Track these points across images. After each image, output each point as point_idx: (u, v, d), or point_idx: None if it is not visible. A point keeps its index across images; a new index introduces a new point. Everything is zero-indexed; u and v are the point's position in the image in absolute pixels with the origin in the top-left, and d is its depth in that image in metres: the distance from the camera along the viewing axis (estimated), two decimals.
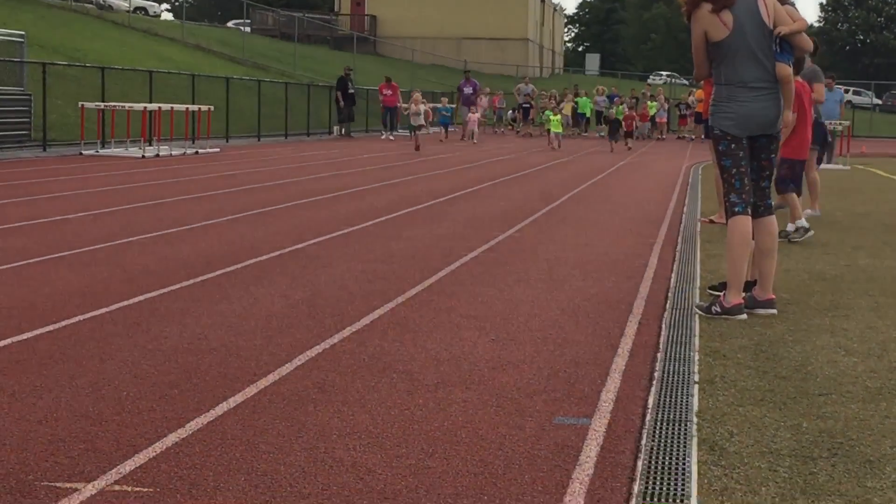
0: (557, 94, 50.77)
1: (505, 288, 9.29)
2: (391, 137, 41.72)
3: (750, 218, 8.16)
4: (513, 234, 13.00)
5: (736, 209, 8.15)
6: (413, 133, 35.88)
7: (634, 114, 42.21)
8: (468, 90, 47.07)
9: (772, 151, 8.35)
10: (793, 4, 8.75)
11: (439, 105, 44.97)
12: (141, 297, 8.38)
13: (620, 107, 49.45)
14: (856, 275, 10.36)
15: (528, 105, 50.07)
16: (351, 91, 41.90)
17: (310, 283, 9.30)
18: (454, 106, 46.96)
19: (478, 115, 42.61)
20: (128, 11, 64.96)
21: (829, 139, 14.49)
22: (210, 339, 7.09)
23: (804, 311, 8.45)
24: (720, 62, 8.14)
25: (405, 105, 40.14)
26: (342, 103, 41.67)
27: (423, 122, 35.92)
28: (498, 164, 26.52)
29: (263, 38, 72.11)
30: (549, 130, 37.67)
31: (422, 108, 36.49)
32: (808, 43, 8.45)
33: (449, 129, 43.98)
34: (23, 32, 30.12)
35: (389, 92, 44.11)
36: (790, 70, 8.23)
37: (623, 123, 39.21)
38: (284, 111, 39.18)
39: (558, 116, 37.04)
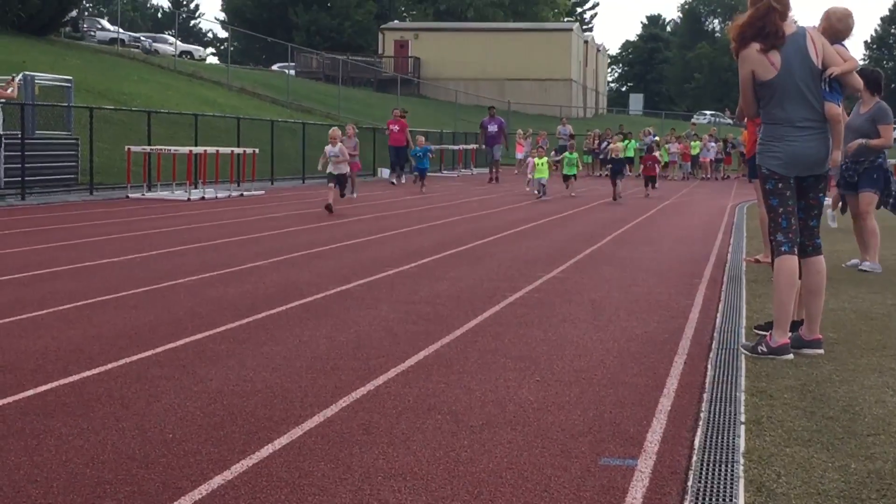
0: (599, 133, 50.77)
1: (550, 328, 9.28)
2: (393, 182, 37.00)
3: (796, 257, 8.13)
4: (557, 275, 12.97)
5: (783, 248, 8.11)
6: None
7: (657, 155, 36.48)
8: (493, 128, 41.63)
9: (820, 191, 8.32)
10: (842, 44, 8.75)
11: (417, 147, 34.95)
12: (187, 340, 8.41)
13: (631, 142, 49.19)
14: None
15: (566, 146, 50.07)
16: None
17: (354, 324, 9.31)
18: (430, 149, 35.92)
19: (536, 159, 31.42)
20: (173, 56, 65.59)
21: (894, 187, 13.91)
22: (255, 380, 7.11)
23: (851, 351, 8.38)
24: (768, 101, 8.12)
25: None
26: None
27: (344, 169, 23.41)
28: (540, 205, 26.50)
29: (308, 80, 72.61)
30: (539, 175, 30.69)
31: (338, 148, 23.09)
32: (858, 82, 8.44)
33: (417, 176, 34.47)
34: (70, 77, 30.45)
35: (397, 128, 37.37)
36: (839, 110, 8.21)
37: (643, 166, 34.56)
38: None
39: (545, 160, 30.67)
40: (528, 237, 18.11)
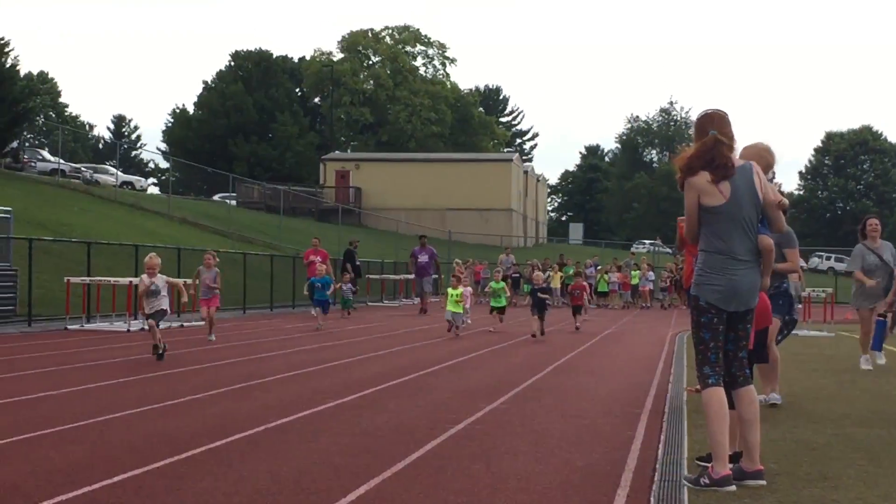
0: (539, 263, 51.14)
1: (492, 461, 9.23)
2: (313, 313, 31.07)
3: (723, 389, 8.19)
4: (499, 406, 12.94)
5: (710, 381, 8.19)
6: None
7: (584, 283, 32.24)
8: (423, 258, 40.30)
9: (748, 322, 8.41)
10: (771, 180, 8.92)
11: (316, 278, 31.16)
12: (125, 475, 8.30)
13: (556, 274, 49.48)
14: (844, 444, 10.31)
15: (516, 275, 50.29)
16: (357, 264, 41.49)
17: (296, 457, 9.23)
18: (330, 280, 32.02)
19: (469, 288, 30.82)
20: (114, 186, 65.54)
21: (795, 315, 13.98)
22: None
23: (793, 482, 8.39)
24: (711, 229, 8.22)
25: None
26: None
27: (163, 304, 19.38)
28: (480, 336, 26.50)
29: (249, 210, 72.75)
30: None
31: (160, 280, 19.52)
32: (783, 224, 8.63)
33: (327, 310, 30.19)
34: (9, 208, 30.34)
35: (319, 259, 34.68)
36: (772, 241, 8.36)
37: (571, 295, 31.15)
38: (270, 283, 39.29)
39: (459, 290, 26.52)
40: (468, 368, 18.09)
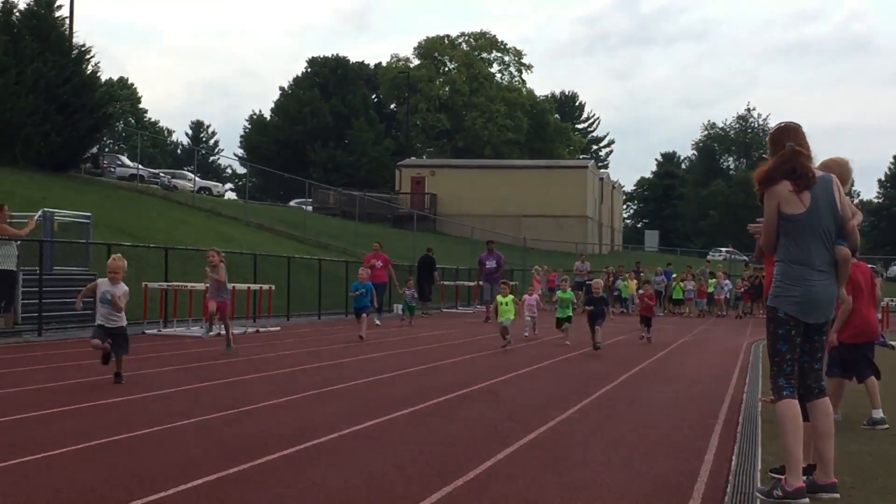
0: (613, 270, 51.01)
1: (564, 471, 9.23)
2: (377, 322, 33.10)
3: (797, 401, 8.13)
4: (571, 416, 12.92)
5: (784, 392, 8.13)
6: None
7: (651, 292, 29.19)
8: (491, 264, 38.89)
9: (824, 333, 8.35)
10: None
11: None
12: (199, 481, 8.38)
13: (631, 281, 49.31)
14: None
15: (589, 282, 50.07)
16: (436, 271, 41.49)
17: (367, 465, 9.27)
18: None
19: (535, 295, 29.71)
20: (192, 191, 66.18)
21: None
22: None
23: (868, 496, 8.32)
24: (789, 239, 8.18)
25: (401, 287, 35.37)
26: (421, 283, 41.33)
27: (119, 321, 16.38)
28: (553, 346, 26.40)
29: (325, 216, 73.12)
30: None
31: (119, 289, 16.65)
32: (857, 239, 8.60)
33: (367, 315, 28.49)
34: (89, 213, 30.68)
35: (380, 263, 34.98)
36: (849, 252, 8.31)
37: (641, 305, 28.97)
38: (345, 289, 39.42)
39: (509, 298, 24.00)
40: (540, 376, 18.05)
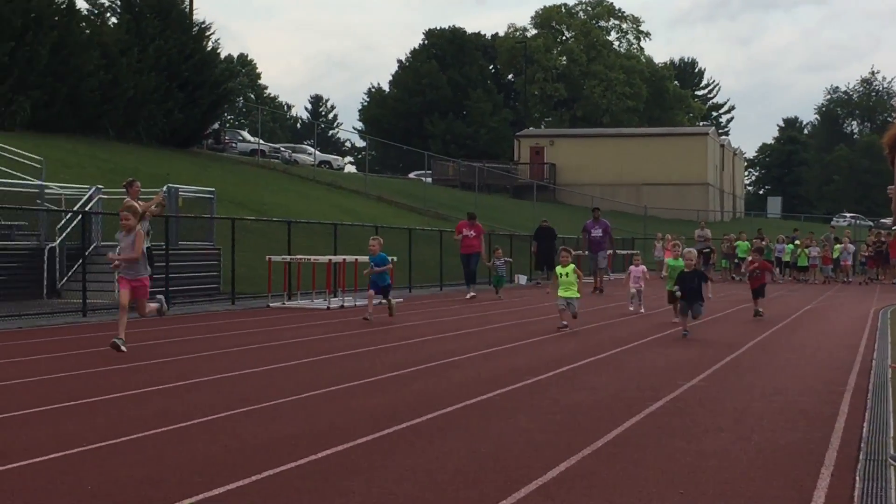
0: (734, 237, 50.48)
1: (692, 439, 9.16)
2: (472, 294, 32.13)
3: None
4: (698, 384, 12.82)
5: None
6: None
7: (756, 261, 25.38)
8: (597, 232, 36.78)
9: None
10: None
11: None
12: (328, 452, 8.45)
13: (743, 243, 48.48)
14: None
15: (708, 250, 49.60)
16: (554, 242, 41.49)
17: (495, 435, 9.28)
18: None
19: (642, 266, 26.09)
20: (312, 165, 66.73)
21: None
22: (398, 493, 7.11)
23: None
24: None
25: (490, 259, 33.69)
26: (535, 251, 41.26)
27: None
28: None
29: (444, 188, 73.23)
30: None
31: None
32: None
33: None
34: (212, 189, 31.11)
35: (472, 233, 33.30)
36: None
37: (751, 276, 25.03)
38: None
39: (569, 268, 20.56)
40: (665, 345, 17.92)
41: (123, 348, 15.29)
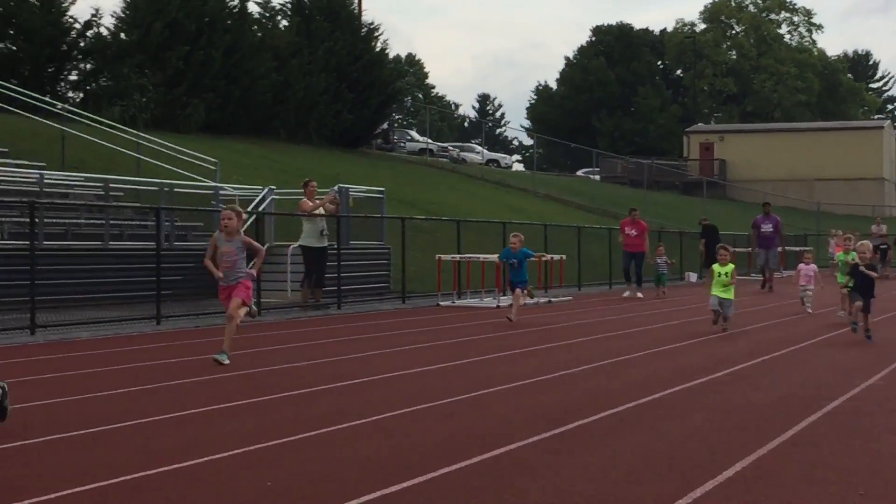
0: None
1: (871, 439, 8.99)
2: (639, 294, 31.42)
3: None
4: (876, 383, 12.55)
5: None
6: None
7: None
8: (767, 227, 35.55)
9: None
10: None
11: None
12: (501, 449, 8.48)
13: None
14: None
15: (885, 246, 48.48)
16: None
17: (668, 434, 9.22)
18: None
19: (813, 264, 25.00)
20: (480, 164, 66.95)
21: None
22: (573, 492, 7.11)
23: None
24: None
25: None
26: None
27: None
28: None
29: (612, 185, 72.91)
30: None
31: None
32: None
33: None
34: (382, 188, 31.42)
35: (634, 232, 32.55)
36: None
37: None
38: None
39: (728, 268, 19.48)
40: (836, 344, 17.54)
41: (226, 361, 14.16)
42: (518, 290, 22.09)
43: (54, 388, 11.89)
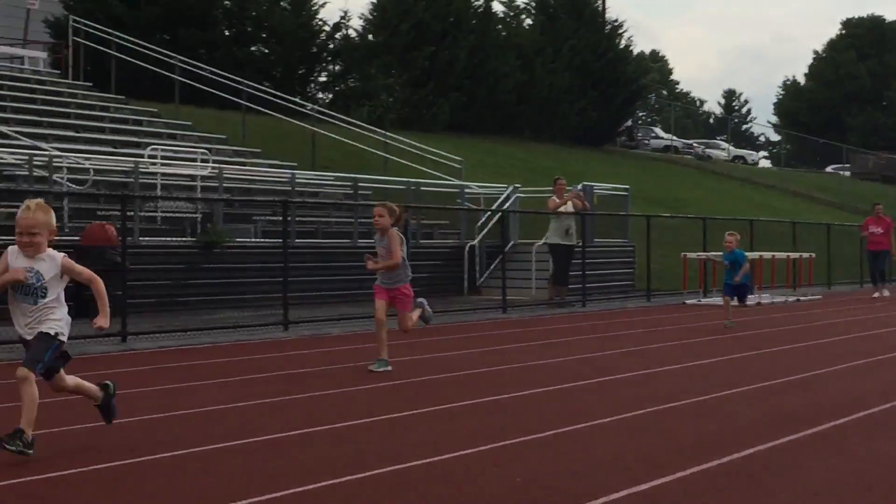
0: None
1: None
2: (885, 293, 30.07)
3: None
4: None
5: None
6: None
7: None
8: (877, 230, 31.32)
9: None
10: None
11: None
12: (751, 450, 8.33)
13: None
14: None
15: None
16: None
17: None
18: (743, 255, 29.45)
19: None
20: (726, 161, 66.06)
21: None
22: (824, 494, 6.97)
23: None
24: None
25: None
26: None
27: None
28: None
29: (864, 181, 70.99)
30: None
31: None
32: None
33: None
34: (627, 186, 31.32)
35: (880, 230, 30.89)
36: None
37: None
38: None
39: None
40: None
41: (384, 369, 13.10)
42: (727, 298, 20.33)
43: (311, 384, 12.20)
